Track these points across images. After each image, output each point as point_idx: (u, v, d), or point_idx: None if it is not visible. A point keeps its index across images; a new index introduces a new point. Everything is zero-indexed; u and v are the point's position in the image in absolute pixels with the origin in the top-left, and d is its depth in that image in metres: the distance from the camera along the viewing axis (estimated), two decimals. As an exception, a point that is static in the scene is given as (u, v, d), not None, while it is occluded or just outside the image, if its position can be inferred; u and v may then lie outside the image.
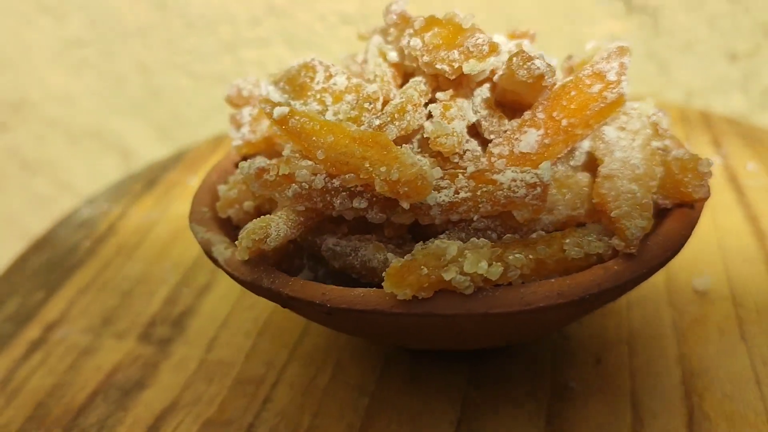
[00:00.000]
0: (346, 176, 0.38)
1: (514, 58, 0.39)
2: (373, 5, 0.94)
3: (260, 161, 0.41)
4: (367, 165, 0.37)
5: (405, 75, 0.48)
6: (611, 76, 0.42)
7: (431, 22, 0.44)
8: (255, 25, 0.97)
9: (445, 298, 0.36)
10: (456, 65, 0.40)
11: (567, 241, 0.38)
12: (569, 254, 0.38)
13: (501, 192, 0.38)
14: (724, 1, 0.85)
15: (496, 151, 0.42)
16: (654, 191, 0.41)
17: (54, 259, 0.66)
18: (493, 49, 0.40)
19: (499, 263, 0.36)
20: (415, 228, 0.42)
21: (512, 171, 0.38)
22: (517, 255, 0.37)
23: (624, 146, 0.42)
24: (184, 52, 1.01)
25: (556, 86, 0.42)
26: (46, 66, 1.04)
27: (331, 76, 0.45)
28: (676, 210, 0.42)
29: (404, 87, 0.44)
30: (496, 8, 0.90)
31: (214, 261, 0.42)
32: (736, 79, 0.91)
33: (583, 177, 0.42)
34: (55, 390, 0.51)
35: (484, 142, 0.43)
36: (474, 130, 0.44)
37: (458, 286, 0.35)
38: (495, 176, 0.38)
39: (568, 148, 0.43)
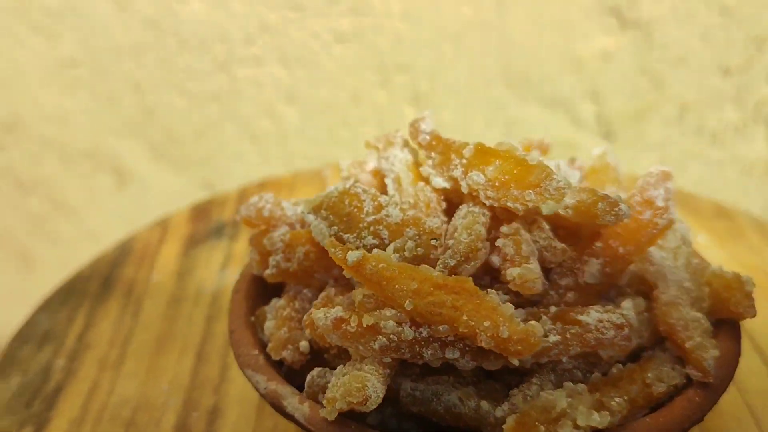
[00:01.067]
0: (439, 327, 0.38)
1: (600, 203, 0.39)
2: (366, 23, 0.95)
3: (336, 311, 0.40)
4: (466, 318, 0.37)
5: (446, 199, 0.48)
6: (659, 202, 0.44)
7: (484, 152, 0.44)
8: (249, 44, 0.98)
9: (559, 452, 0.36)
10: (531, 205, 0.41)
11: (649, 375, 0.40)
12: (655, 390, 0.39)
13: (590, 334, 0.39)
14: (717, 15, 0.87)
15: (563, 282, 0.43)
16: (706, 312, 0.43)
17: (28, 385, 0.60)
18: (569, 189, 0.40)
19: (606, 412, 0.36)
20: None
21: (596, 311, 0.39)
22: (617, 399, 0.38)
23: (671, 267, 0.44)
24: (178, 71, 1.00)
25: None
26: (40, 85, 1.02)
27: (380, 206, 0.45)
28: (723, 326, 0.44)
29: (463, 220, 0.43)
30: (488, 25, 0.91)
31: (289, 416, 0.40)
32: (730, 92, 0.93)
33: (640, 302, 0.44)
34: None
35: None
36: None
37: (573, 440, 0.35)
38: (580, 317, 0.39)
39: (624, 274, 0.44)
